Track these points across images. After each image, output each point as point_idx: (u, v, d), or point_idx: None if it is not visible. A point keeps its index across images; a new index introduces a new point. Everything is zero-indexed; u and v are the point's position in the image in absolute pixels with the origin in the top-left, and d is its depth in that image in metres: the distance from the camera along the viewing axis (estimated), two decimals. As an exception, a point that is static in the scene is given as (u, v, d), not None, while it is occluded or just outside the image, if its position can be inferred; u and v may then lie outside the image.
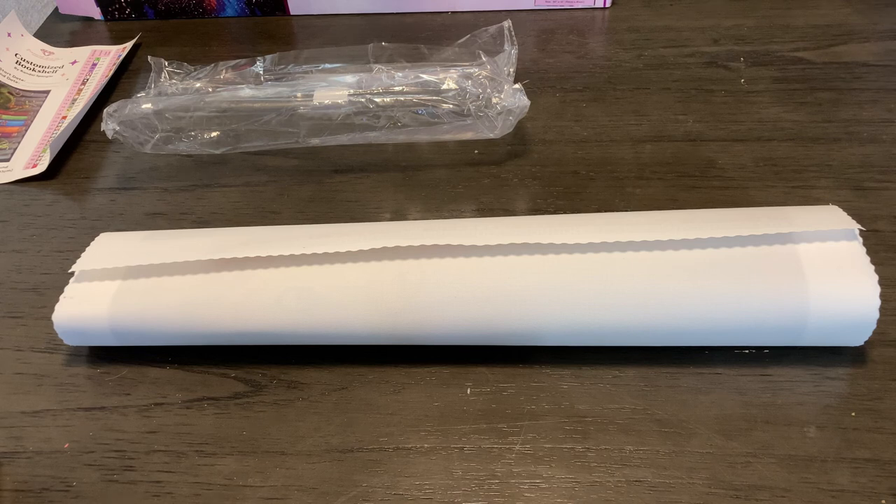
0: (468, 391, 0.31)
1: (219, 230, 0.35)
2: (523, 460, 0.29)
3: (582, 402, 0.31)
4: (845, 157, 0.41)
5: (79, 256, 0.34)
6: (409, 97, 0.41)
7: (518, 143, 0.44)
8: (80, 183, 0.44)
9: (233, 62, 0.46)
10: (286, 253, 0.31)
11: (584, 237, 0.30)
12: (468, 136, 0.42)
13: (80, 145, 0.47)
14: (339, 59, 0.45)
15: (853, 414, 0.29)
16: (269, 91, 0.43)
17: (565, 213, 0.39)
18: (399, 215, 0.40)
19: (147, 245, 0.34)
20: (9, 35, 0.54)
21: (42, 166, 0.45)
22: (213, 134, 0.43)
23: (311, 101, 0.42)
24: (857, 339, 0.30)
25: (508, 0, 0.55)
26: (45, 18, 0.59)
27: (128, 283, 0.33)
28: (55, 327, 0.33)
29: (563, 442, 0.29)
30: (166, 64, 0.46)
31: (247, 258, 0.32)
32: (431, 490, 0.28)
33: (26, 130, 0.48)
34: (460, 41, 0.44)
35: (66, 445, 0.31)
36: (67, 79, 0.52)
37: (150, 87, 0.45)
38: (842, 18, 0.52)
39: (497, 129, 0.41)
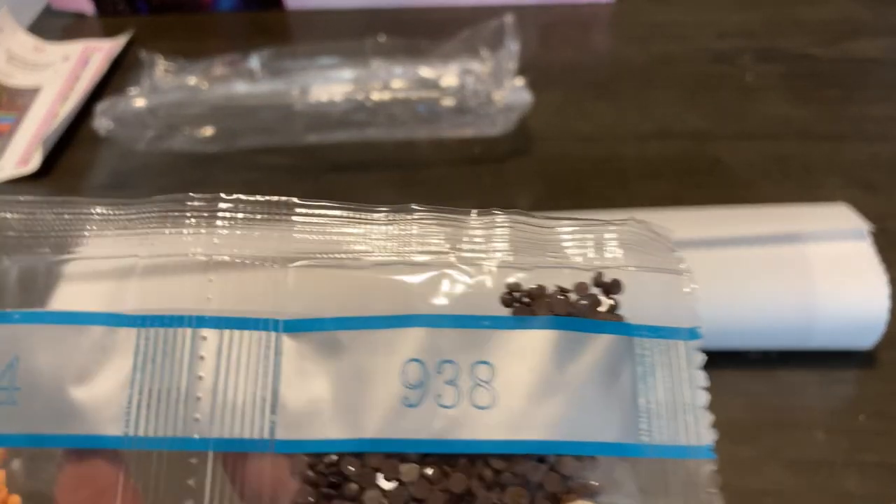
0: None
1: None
2: (525, 466, 0.28)
3: (585, 406, 0.30)
4: (854, 155, 0.40)
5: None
6: (408, 93, 0.41)
7: (520, 140, 0.43)
8: (73, 181, 0.43)
9: (228, 57, 0.45)
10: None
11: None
12: (468, 133, 0.42)
13: (72, 143, 0.46)
14: (337, 55, 0.44)
15: (862, 417, 0.29)
16: (265, 87, 0.43)
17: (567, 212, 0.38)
18: (398, 214, 0.39)
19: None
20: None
21: (34, 164, 0.44)
22: (208, 131, 0.43)
23: (308, 97, 0.42)
24: (867, 341, 0.30)
25: (509, -6, 0.55)
26: (36, 14, 0.59)
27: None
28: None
29: (566, 447, 0.29)
30: (160, 59, 0.46)
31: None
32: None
33: (17, 128, 0.48)
34: (461, 36, 0.44)
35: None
36: (59, 75, 0.52)
37: (143, 84, 0.45)
38: (850, 13, 0.52)
39: (498, 126, 0.41)
